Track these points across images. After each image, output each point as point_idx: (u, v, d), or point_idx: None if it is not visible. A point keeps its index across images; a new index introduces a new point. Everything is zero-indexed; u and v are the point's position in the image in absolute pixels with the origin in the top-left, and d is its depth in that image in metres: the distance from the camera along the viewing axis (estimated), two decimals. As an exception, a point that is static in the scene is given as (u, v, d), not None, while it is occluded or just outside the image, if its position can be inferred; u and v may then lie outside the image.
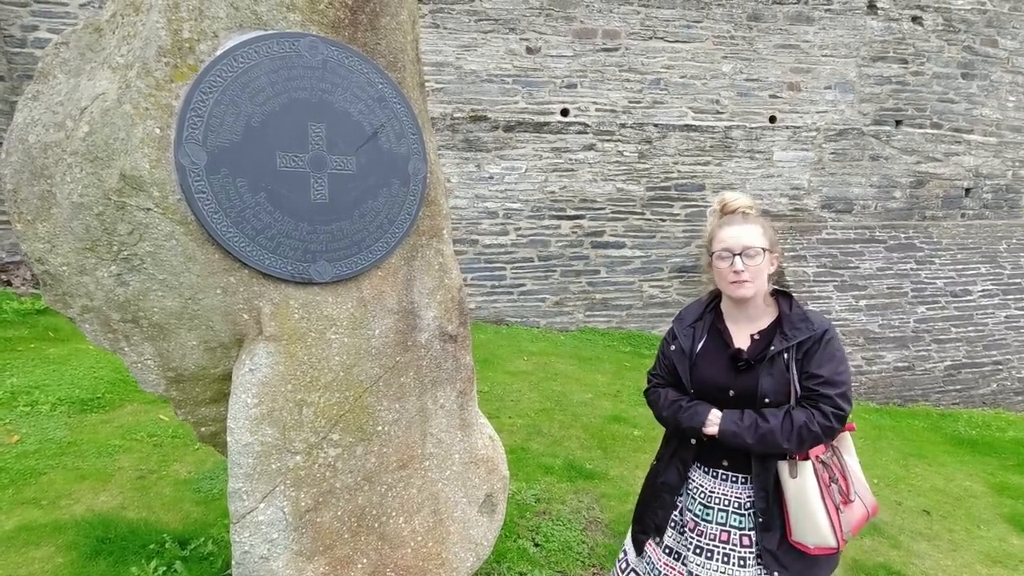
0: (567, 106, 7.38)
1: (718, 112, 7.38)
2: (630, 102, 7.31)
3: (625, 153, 7.34)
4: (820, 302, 6.73)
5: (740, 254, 1.55)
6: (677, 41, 7.25)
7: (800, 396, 1.55)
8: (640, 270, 7.51)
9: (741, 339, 1.64)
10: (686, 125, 7.36)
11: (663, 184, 7.42)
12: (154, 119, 1.31)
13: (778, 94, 7.50)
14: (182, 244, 1.39)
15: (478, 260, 7.58)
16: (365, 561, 1.74)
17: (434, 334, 1.82)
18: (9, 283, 6.30)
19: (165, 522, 2.59)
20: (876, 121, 7.80)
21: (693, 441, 1.68)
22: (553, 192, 7.47)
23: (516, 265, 7.64)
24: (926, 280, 7.17)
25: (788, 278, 6.81)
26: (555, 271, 7.57)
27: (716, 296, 1.75)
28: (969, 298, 7.31)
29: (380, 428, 1.73)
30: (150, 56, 1.30)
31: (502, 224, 7.57)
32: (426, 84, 7.32)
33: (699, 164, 7.41)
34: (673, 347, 1.72)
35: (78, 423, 3.60)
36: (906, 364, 6.67)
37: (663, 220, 7.43)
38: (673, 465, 1.73)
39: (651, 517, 1.77)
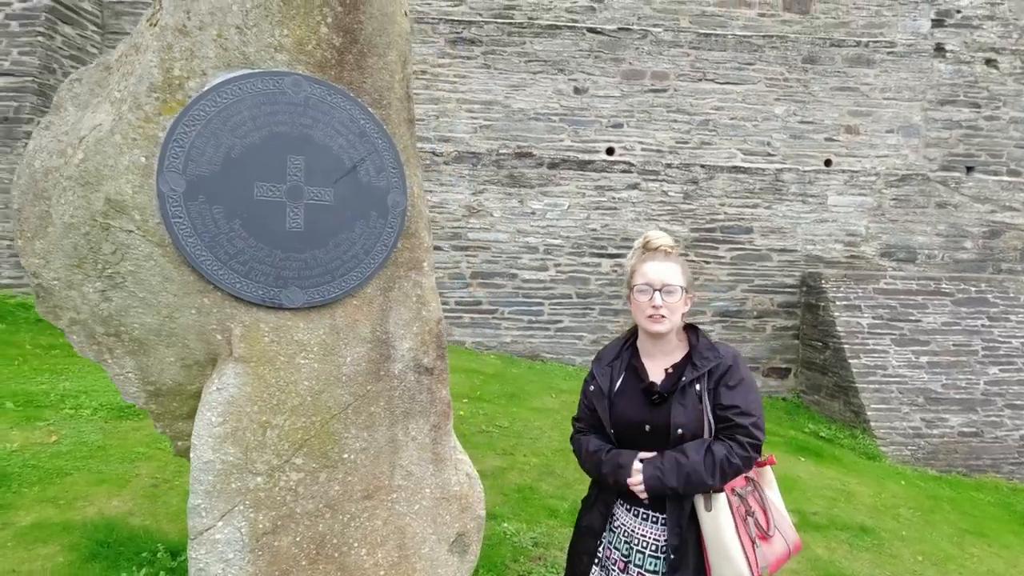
0: (612, 145, 7.40)
1: (769, 154, 7.19)
2: (677, 142, 7.25)
3: (670, 193, 7.24)
4: (875, 356, 6.29)
5: (659, 290, 1.60)
6: (728, 83, 7.17)
7: (716, 429, 1.56)
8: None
9: (656, 374, 1.66)
10: (734, 167, 7.20)
11: (708, 226, 7.25)
12: (140, 148, 1.42)
13: (834, 137, 7.24)
14: (160, 265, 1.47)
15: (516, 294, 7.60)
16: (322, 591, 1.72)
17: (409, 365, 1.82)
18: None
19: (165, 532, 2.67)
20: (944, 167, 7.36)
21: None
22: (595, 230, 7.44)
23: (554, 301, 7.60)
24: (1000, 339, 6.57)
25: (839, 328, 6.42)
26: (593, 309, 7.47)
27: (632, 335, 1.77)
28: (1053, 362, 6.61)
29: (346, 456, 1.73)
30: (141, 91, 1.41)
31: (542, 260, 7.59)
32: (475, 121, 7.56)
33: (747, 207, 7.20)
34: (592, 387, 1.73)
35: (112, 428, 3.82)
36: (973, 430, 6.07)
37: (707, 262, 7.23)
38: (597, 508, 1.72)
39: (576, 563, 1.75)
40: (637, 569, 1.63)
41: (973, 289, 6.85)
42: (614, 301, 7.38)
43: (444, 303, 7.62)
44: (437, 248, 7.60)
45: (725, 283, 7.25)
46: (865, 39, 7.16)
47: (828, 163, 7.25)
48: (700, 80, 7.17)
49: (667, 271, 1.64)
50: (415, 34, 7.64)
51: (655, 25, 7.10)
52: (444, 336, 1.92)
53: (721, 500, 1.55)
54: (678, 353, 1.68)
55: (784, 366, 7.17)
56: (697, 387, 1.60)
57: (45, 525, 2.64)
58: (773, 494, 1.70)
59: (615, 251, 7.35)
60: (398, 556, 1.85)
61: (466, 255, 7.65)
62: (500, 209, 7.58)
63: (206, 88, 1.45)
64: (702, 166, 7.17)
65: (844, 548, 3.51)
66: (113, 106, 1.46)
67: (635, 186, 7.27)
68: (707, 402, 1.59)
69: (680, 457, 1.53)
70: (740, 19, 7.11)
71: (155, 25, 1.46)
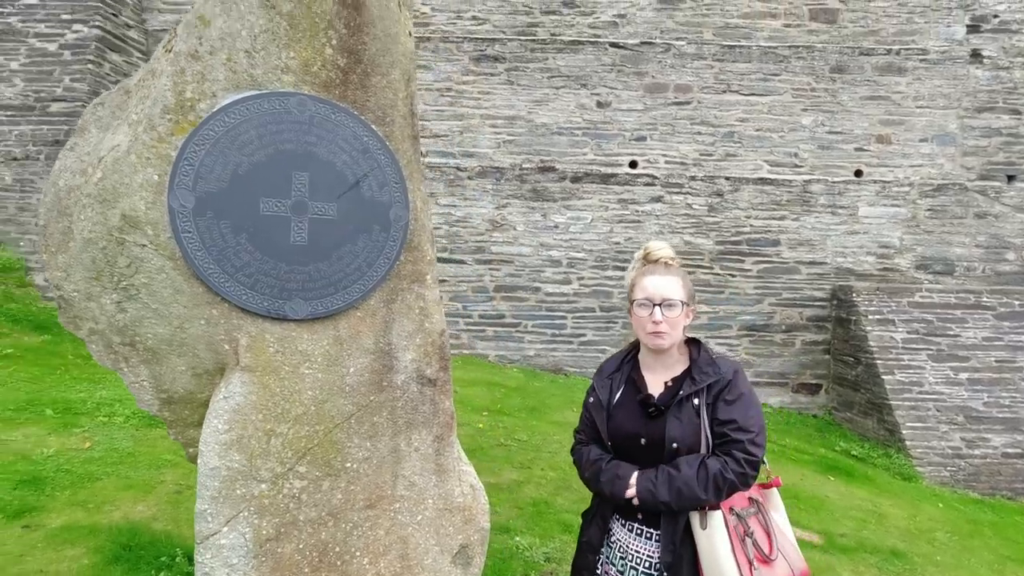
0: (636, 158, 7.39)
1: (796, 165, 7.06)
2: (701, 155, 7.19)
3: (694, 206, 7.17)
4: (910, 372, 6.05)
5: (660, 304, 1.58)
6: (753, 94, 7.10)
7: (713, 444, 1.53)
8: (707, 326, 7.17)
9: (656, 387, 1.64)
10: (760, 179, 7.09)
11: (734, 238, 7.14)
12: (153, 167, 1.49)
13: (865, 147, 7.07)
14: (171, 278, 1.54)
15: (539, 308, 7.60)
16: (325, 599, 1.75)
17: (411, 376, 1.85)
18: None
19: (185, 537, 2.74)
20: (983, 176, 7.09)
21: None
22: (618, 243, 7.41)
23: (577, 315, 7.58)
24: (1047, 355, 6.24)
25: (872, 343, 6.20)
26: (617, 323, 7.41)
27: (635, 347, 1.76)
28: (1107, 380, 6.24)
29: (349, 465, 1.76)
30: (156, 113, 1.50)
31: (565, 273, 7.58)
32: (498, 136, 7.64)
33: (774, 219, 7.07)
34: (592, 399, 1.73)
35: (142, 436, 3.96)
36: (1019, 450, 5.76)
37: (732, 275, 7.11)
38: (595, 522, 1.72)
39: None
40: None
41: (1017, 303, 6.54)
42: (638, 315, 7.31)
43: (468, 316, 7.68)
44: (461, 262, 7.69)
45: (752, 296, 7.11)
46: (896, 47, 7.00)
47: (859, 173, 7.07)
48: (724, 92, 7.11)
49: (667, 285, 1.63)
50: (440, 53, 7.82)
51: (678, 39, 7.09)
52: (447, 348, 1.95)
53: (717, 518, 1.52)
54: (679, 367, 1.67)
55: (815, 382, 6.96)
56: (695, 401, 1.58)
57: (74, 528, 2.74)
58: (779, 517, 1.66)
59: (638, 264, 7.30)
60: (400, 567, 1.86)
61: (490, 269, 7.71)
62: (523, 223, 7.62)
63: (216, 109, 1.52)
64: (727, 178, 7.08)
65: (873, 572, 3.38)
66: (130, 128, 1.54)
67: (659, 199, 7.22)
68: (705, 417, 1.57)
69: (672, 471, 1.52)
70: (765, 30, 7.05)
71: (170, 51, 1.55)
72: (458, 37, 7.74)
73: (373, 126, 1.72)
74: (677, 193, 7.15)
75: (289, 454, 1.67)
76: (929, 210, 7.07)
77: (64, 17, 8.18)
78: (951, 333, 6.28)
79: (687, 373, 1.64)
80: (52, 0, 8.14)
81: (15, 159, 7.93)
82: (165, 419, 1.77)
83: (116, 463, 3.48)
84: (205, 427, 1.61)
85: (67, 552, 2.56)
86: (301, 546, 1.71)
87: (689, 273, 6.92)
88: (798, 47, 6.95)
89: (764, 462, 1.77)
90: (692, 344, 1.70)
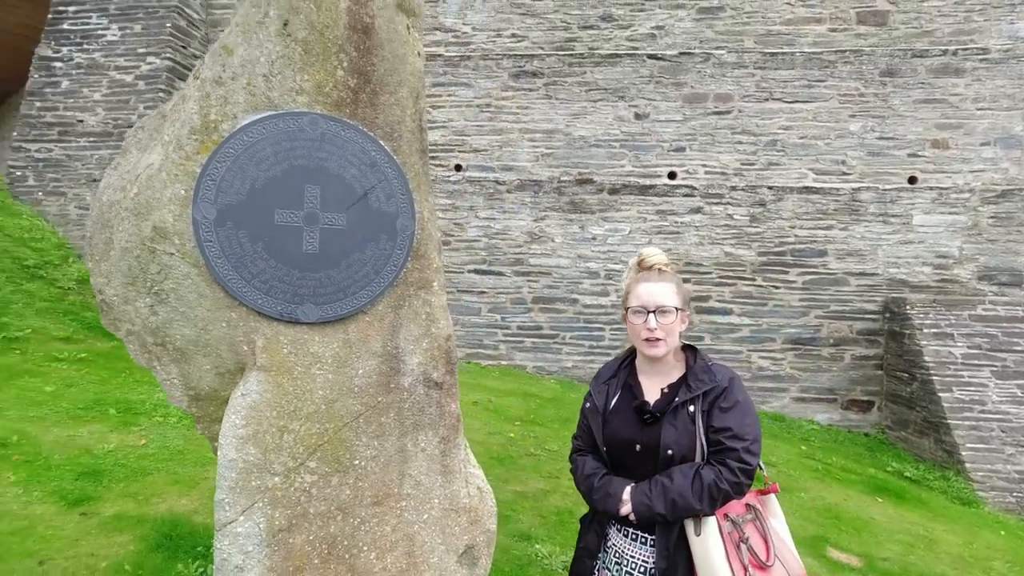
0: (675, 169, 7.32)
1: (844, 173, 6.80)
2: (742, 164, 7.04)
3: (735, 216, 7.02)
4: (970, 390, 5.67)
5: (654, 312, 1.59)
6: (796, 101, 6.91)
7: (707, 452, 1.53)
8: (749, 339, 6.97)
9: (652, 393, 1.64)
10: (805, 187, 6.87)
11: (777, 249, 6.93)
12: (181, 182, 1.65)
13: (919, 153, 6.74)
14: (195, 283, 1.68)
15: (577, 320, 7.60)
16: (333, 590, 1.83)
17: (418, 379, 1.93)
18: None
19: (220, 531, 2.91)
20: (1054, 181, 6.62)
21: None
22: (656, 254, 7.32)
23: (615, 326, 7.52)
24: None
25: (927, 358, 5.86)
26: (655, 335, 7.30)
27: (631, 353, 1.76)
28: None
29: (357, 462, 1.85)
30: (184, 134, 1.65)
31: (603, 285, 7.56)
32: (536, 149, 7.74)
33: (820, 228, 6.83)
34: (588, 405, 1.75)
35: (192, 435, 4.22)
36: (1098, 479, 5.28)
37: (776, 287, 6.89)
38: (592, 528, 1.73)
39: None
40: None
41: (1096, 317, 6.03)
42: (677, 327, 7.18)
43: (506, 328, 7.76)
44: (499, 274, 7.79)
45: (797, 309, 6.86)
46: (953, 47, 6.66)
47: (913, 180, 6.74)
48: (766, 100, 6.96)
49: (661, 292, 1.64)
50: (480, 70, 8.02)
51: (718, 48, 7.01)
52: (454, 352, 2.02)
53: (711, 525, 1.52)
54: (675, 373, 1.68)
55: (866, 399, 6.62)
56: (691, 408, 1.58)
57: (124, 517, 2.97)
58: (778, 523, 1.64)
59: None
60: (407, 563, 1.93)
61: (528, 280, 7.78)
62: (561, 235, 7.66)
63: (236, 129, 1.67)
64: (770, 188, 6.90)
65: (916, 599, 3.19)
66: (163, 147, 1.71)
67: (698, 210, 7.12)
68: (700, 424, 1.57)
69: (667, 482, 1.52)
70: (809, 36, 6.87)
71: (198, 78, 1.71)
72: (497, 54, 7.92)
73: (381, 141, 1.82)
74: (717, 203, 7.02)
75: (301, 450, 1.78)
76: (992, 217, 6.64)
77: (140, 51, 8.90)
78: (1017, 348, 5.85)
79: (683, 380, 1.65)
80: (130, 36, 8.87)
81: (95, 180, 8.65)
82: (194, 415, 1.91)
83: (166, 460, 3.73)
84: (224, 422, 1.74)
85: (116, 538, 2.77)
86: (311, 538, 1.80)
87: (730, 285, 6.81)
88: (845, 51, 6.73)
89: (762, 468, 1.75)
90: (688, 351, 1.71)
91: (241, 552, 1.73)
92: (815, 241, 6.82)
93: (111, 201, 1.75)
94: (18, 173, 8.48)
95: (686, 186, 7.11)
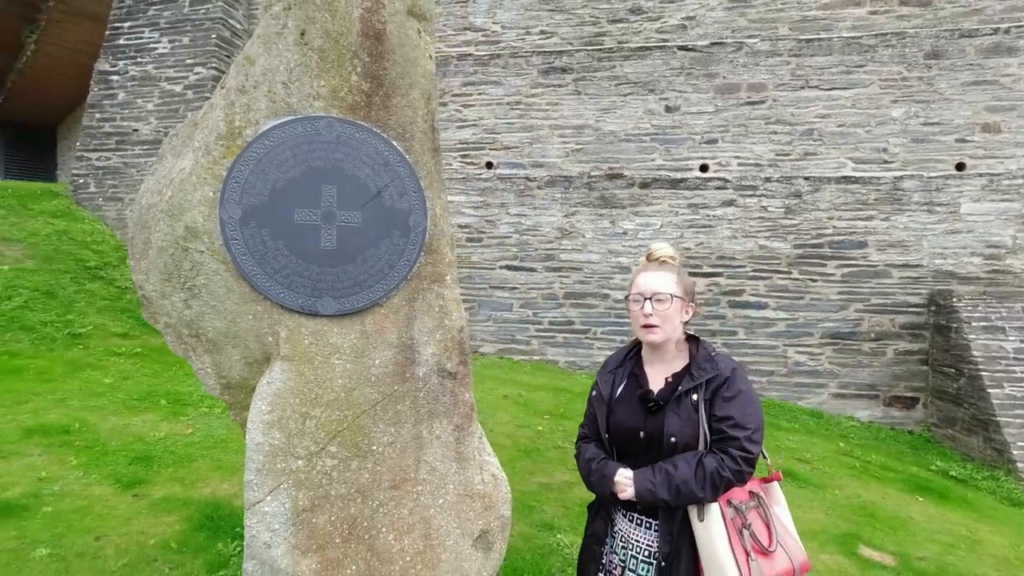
0: (707, 161, 7.20)
1: (885, 161, 6.55)
2: (777, 155, 6.87)
3: (770, 208, 6.86)
4: (1022, 386, 5.38)
5: (650, 299, 1.63)
6: (834, 88, 6.69)
7: (710, 441, 1.56)
8: (785, 334, 6.80)
9: (657, 382, 1.68)
10: (844, 177, 6.65)
11: (814, 241, 6.73)
12: (209, 185, 1.77)
13: (968, 138, 6.42)
14: (224, 279, 1.81)
15: (608, 315, 7.58)
16: (354, 568, 1.94)
17: (432, 369, 2.01)
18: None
19: (258, 514, 3.08)
20: (1120, 165, 6.20)
21: None
22: (688, 248, 7.24)
23: (647, 321, 7.46)
24: None
25: (976, 353, 5.60)
26: (688, 329, 7.21)
27: (638, 343, 1.80)
28: None
29: (375, 448, 1.95)
30: (211, 140, 1.78)
31: (634, 279, 7.51)
32: (566, 145, 7.74)
33: (859, 219, 6.60)
34: (594, 393, 1.79)
35: (234, 425, 4.44)
36: None
37: (813, 280, 6.70)
38: (600, 514, 1.78)
39: (584, 572, 1.81)
40: (631, 574, 1.66)
41: None
42: (711, 322, 7.09)
43: (538, 323, 7.81)
44: (531, 270, 7.84)
45: (835, 302, 6.66)
46: (1005, 24, 6.31)
47: (960, 167, 6.43)
48: (802, 88, 6.77)
49: (658, 280, 1.69)
50: (510, 68, 8.08)
51: (750, 36, 6.85)
52: (467, 344, 2.09)
53: (714, 510, 1.55)
54: (679, 363, 1.72)
55: (910, 395, 6.37)
56: (694, 397, 1.62)
57: (171, 499, 3.18)
58: (781, 511, 1.66)
59: (710, 270, 7.09)
60: (423, 545, 2.02)
61: (559, 276, 7.80)
62: (592, 230, 7.66)
63: (258, 134, 1.78)
64: (806, 178, 6.71)
65: (953, 600, 3.09)
66: (193, 153, 1.84)
67: (731, 202, 6.99)
68: (703, 413, 1.60)
69: (671, 469, 1.56)
70: (847, 20, 6.63)
71: (223, 88, 1.83)
72: (527, 52, 7.96)
73: (394, 142, 1.91)
74: (751, 196, 6.88)
75: (322, 435, 1.89)
76: (1050, 205, 6.28)
77: (188, 62, 9.34)
78: (1077, 343, 5.53)
79: (687, 369, 1.68)
80: (179, 48, 9.32)
81: (147, 185, 9.14)
82: (226, 402, 2.05)
83: (211, 447, 3.96)
84: (252, 408, 1.86)
85: (164, 519, 2.97)
86: (333, 518, 1.91)
87: (765, 278, 6.68)
88: (886, 34, 6.47)
89: (766, 457, 1.76)
90: (692, 341, 1.75)
91: (268, 530, 1.86)
92: (854, 232, 6.59)
93: (149, 204, 1.90)
94: (81, 181, 9.05)
95: (718, 179, 6.99)
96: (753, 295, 6.91)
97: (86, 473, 3.42)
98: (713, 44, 7.06)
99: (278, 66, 1.80)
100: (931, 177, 6.43)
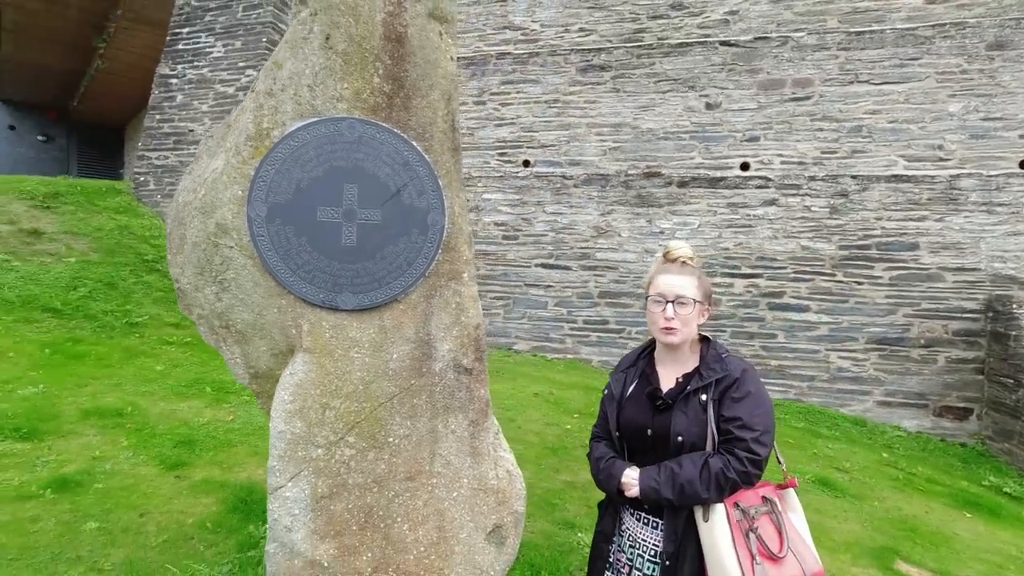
0: (747, 160, 7.01)
1: (941, 159, 6.22)
2: (822, 152, 6.62)
3: (813, 208, 6.62)
4: (1088, 401, 5.01)
5: (672, 302, 1.62)
6: (886, 83, 6.39)
7: (718, 441, 1.55)
8: (827, 338, 6.56)
9: (668, 382, 1.68)
10: (894, 175, 6.35)
11: (861, 242, 6.46)
12: (238, 184, 1.87)
13: (1034, 134, 6.02)
14: (251, 273, 1.90)
15: (643, 314, 7.48)
16: (369, 555, 2.01)
17: (448, 364, 2.05)
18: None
19: (289, 499, 3.21)
20: None
21: None
22: (727, 248, 7.07)
23: (683, 322, 7.33)
24: None
25: (1037, 364, 5.24)
26: (725, 331, 7.06)
27: (652, 343, 1.80)
28: None
29: (391, 440, 2.01)
30: (241, 142, 1.87)
31: (671, 279, 7.39)
32: (603, 143, 7.69)
33: (911, 220, 6.29)
34: (606, 392, 1.80)
35: (272, 415, 4.63)
36: None
37: (859, 283, 6.43)
38: (608, 512, 1.78)
39: (593, 570, 1.82)
40: (638, 573, 1.66)
41: None
42: (748, 324, 6.90)
43: (572, 322, 7.79)
44: (566, 268, 7.83)
45: (882, 307, 6.37)
46: (1079, 14, 5.88)
47: (1025, 165, 6.05)
48: (851, 83, 6.49)
49: (681, 283, 1.67)
50: (548, 66, 8.07)
51: (796, 30, 6.62)
52: (483, 340, 2.13)
53: (719, 512, 1.54)
54: (691, 363, 1.71)
55: (963, 405, 6.03)
56: (703, 397, 1.61)
57: (210, 482, 3.34)
58: (796, 518, 1.63)
59: (749, 271, 6.90)
60: (437, 536, 2.07)
61: (594, 275, 7.76)
62: (628, 229, 7.58)
63: (284, 135, 1.86)
64: (853, 177, 6.44)
65: (996, 622, 2.93)
66: (225, 154, 1.94)
67: (772, 202, 6.78)
68: (712, 413, 1.59)
69: (676, 468, 1.56)
70: (902, 11, 6.32)
71: (253, 91, 1.92)
72: (565, 50, 7.94)
73: (413, 142, 1.96)
74: (793, 195, 6.65)
75: (340, 425, 1.96)
76: (1126, 206, 5.83)
77: (240, 64, 9.72)
78: None
79: (697, 369, 1.67)
80: (232, 51, 9.71)
81: (200, 183, 9.59)
82: (254, 391, 2.15)
83: (249, 434, 4.13)
84: (275, 398, 1.95)
85: (202, 500, 3.13)
86: (350, 506, 1.98)
87: (807, 280, 6.49)
88: (944, 25, 6.13)
89: (781, 462, 1.73)
90: (704, 342, 1.73)
91: (289, 514, 1.94)
92: (905, 233, 6.28)
93: (185, 202, 2.01)
94: (141, 179, 9.57)
95: (760, 177, 6.79)
96: (794, 297, 6.68)
97: (135, 454, 3.64)
98: (757, 39, 6.86)
99: (304, 70, 1.87)
100: (991, 175, 6.07)
